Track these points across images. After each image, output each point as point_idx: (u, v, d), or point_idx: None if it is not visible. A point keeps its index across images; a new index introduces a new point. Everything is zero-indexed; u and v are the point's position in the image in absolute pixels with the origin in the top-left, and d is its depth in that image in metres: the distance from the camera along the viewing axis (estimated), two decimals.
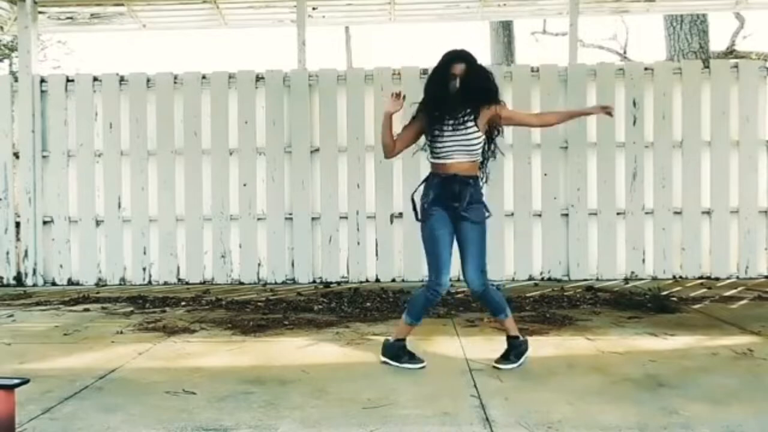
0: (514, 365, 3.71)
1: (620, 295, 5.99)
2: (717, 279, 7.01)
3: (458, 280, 7.19)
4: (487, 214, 3.79)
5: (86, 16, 7.86)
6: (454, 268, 3.83)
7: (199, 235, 7.30)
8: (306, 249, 7.25)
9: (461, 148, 3.69)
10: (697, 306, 5.58)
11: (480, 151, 3.76)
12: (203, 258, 7.30)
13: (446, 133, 3.70)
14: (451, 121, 3.69)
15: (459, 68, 3.68)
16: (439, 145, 3.72)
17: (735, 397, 3.19)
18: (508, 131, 7.10)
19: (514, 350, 3.77)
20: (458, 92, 3.67)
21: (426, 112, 3.76)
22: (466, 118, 3.70)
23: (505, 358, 3.76)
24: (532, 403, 3.12)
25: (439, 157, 3.74)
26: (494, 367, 3.71)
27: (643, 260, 7.12)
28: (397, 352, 3.81)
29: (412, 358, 3.81)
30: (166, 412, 3.05)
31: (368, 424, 2.88)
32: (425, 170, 7.13)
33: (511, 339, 3.81)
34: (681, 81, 7.14)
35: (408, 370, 3.71)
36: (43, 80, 7.41)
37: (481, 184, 3.82)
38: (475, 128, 3.70)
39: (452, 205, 3.69)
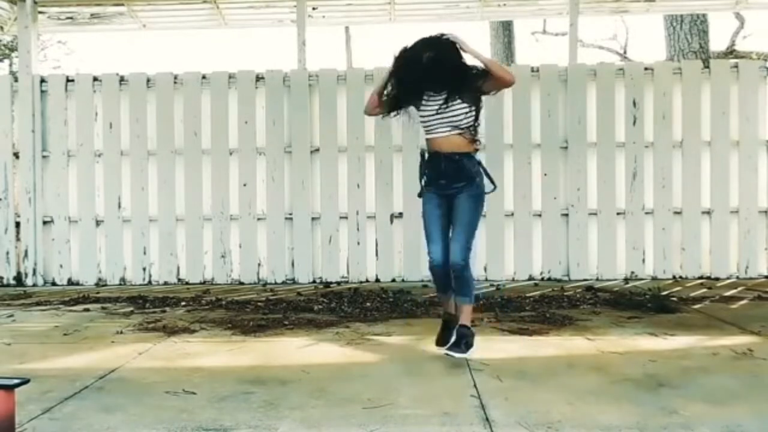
0: (465, 354, 3.78)
1: (620, 295, 5.99)
2: (717, 279, 7.01)
3: None
4: (489, 188, 3.89)
5: (86, 16, 7.86)
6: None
7: (199, 235, 7.30)
8: (306, 249, 7.25)
9: (446, 120, 3.81)
10: (697, 306, 5.58)
11: (469, 123, 3.84)
12: (203, 258, 7.30)
13: (431, 109, 3.83)
14: (435, 98, 3.81)
15: (427, 56, 3.77)
16: (426, 120, 3.87)
17: (735, 397, 3.19)
18: (508, 131, 7.15)
19: (465, 339, 3.82)
20: (431, 76, 3.77)
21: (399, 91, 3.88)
22: (450, 96, 3.79)
23: (457, 345, 3.80)
24: (532, 403, 3.12)
25: (427, 132, 3.90)
26: (446, 354, 3.80)
27: (643, 260, 7.12)
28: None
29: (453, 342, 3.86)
30: (166, 412, 3.05)
31: (368, 424, 2.88)
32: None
33: (462, 327, 3.87)
34: (681, 81, 7.14)
35: (408, 371, 3.71)
36: (43, 80, 7.41)
37: (475, 160, 3.90)
38: (461, 102, 3.80)
39: (441, 183, 3.86)
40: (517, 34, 13.70)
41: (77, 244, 7.36)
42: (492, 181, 3.99)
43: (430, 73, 3.77)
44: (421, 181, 4.02)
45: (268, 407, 3.11)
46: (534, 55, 17.48)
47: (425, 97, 3.88)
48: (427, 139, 3.94)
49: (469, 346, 3.83)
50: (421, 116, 3.92)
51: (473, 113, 3.85)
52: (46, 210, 7.36)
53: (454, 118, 3.82)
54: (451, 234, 3.90)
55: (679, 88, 7.15)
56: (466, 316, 3.91)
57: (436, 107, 3.83)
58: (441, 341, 4.01)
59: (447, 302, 4.08)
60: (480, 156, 7.26)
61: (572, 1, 7.35)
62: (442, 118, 3.83)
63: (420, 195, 4.03)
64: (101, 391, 3.40)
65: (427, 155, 3.96)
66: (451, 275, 3.88)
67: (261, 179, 7.29)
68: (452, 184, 3.85)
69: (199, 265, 7.30)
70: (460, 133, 3.84)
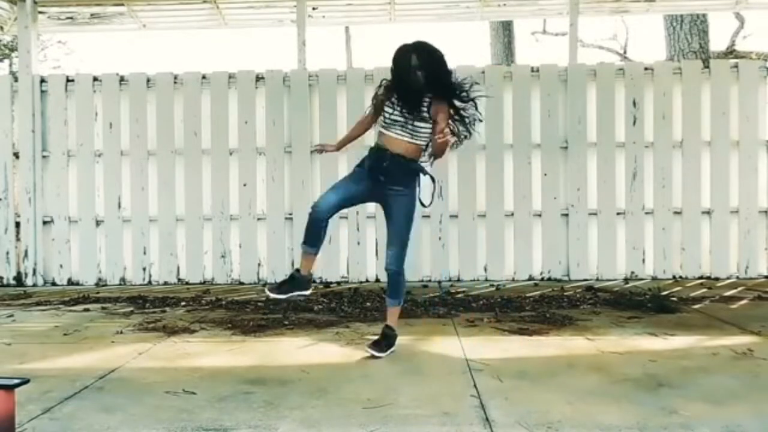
0: (384, 353, 3.98)
1: (620, 295, 5.99)
2: (717, 279, 7.01)
3: (458, 280, 7.22)
4: (426, 201, 4.01)
5: (86, 16, 7.86)
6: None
7: (199, 235, 7.30)
8: None
9: (406, 128, 3.90)
10: (697, 306, 5.58)
11: (425, 138, 3.95)
12: (203, 258, 7.30)
13: (398, 112, 3.92)
14: (408, 106, 3.90)
15: (414, 59, 3.87)
16: (389, 119, 3.94)
17: (735, 397, 3.19)
18: (508, 131, 7.16)
19: (387, 340, 4.06)
20: (422, 81, 3.86)
21: (388, 94, 3.97)
22: (422, 106, 3.90)
23: (377, 345, 4.03)
24: (532, 403, 3.12)
25: (384, 128, 3.98)
26: (368, 351, 3.99)
27: (643, 260, 7.12)
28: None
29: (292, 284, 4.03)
30: (166, 412, 3.05)
31: (368, 424, 2.88)
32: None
33: (387, 328, 4.10)
34: (681, 81, 7.14)
35: (408, 371, 3.71)
36: (43, 80, 7.41)
37: (419, 167, 4.00)
38: (427, 115, 3.90)
39: (379, 178, 3.94)
40: (517, 34, 13.70)
41: (77, 244, 7.36)
42: (432, 179, 4.09)
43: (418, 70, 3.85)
44: (356, 167, 4.10)
45: (268, 407, 3.11)
46: (534, 55, 17.48)
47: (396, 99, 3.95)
48: (381, 133, 4.03)
49: (389, 346, 4.05)
50: (386, 113, 3.96)
51: (430, 130, 3.92)
52: (46, 210, 7.36)
53: (415, 129, 3.92)
54: (388, 238, 4.04)
55: (679, 88, 7.15)
56: (393, 318, 4.13)
57: (404, 111, 3.90)
58: (277, 289, 4.03)
59: (307, 258, 4.03)
60: (480, 156, 7.33)
61: (572, 1, 7.35)
62: (405, 124, 3.91)
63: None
64: (101, 391, 3.40)
65: (374, 146, 4.05)
66: (324, 232, 3.97)
67: (261, 179, 7.29)
68: (390, 185, 3.95)
69: (199, 265, 7.30)
70: (413, 143, 3.94)
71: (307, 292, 4.11)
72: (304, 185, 7.22)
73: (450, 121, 3.94)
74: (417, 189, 4.01)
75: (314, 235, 3.98)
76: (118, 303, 6.04)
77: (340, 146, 4.50)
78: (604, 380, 3.48)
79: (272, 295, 4.04)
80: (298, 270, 4.07)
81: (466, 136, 4.05)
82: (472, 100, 3.97)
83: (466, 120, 4.01)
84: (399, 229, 4.01)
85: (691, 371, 3.63)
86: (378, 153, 3.99)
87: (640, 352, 4.04)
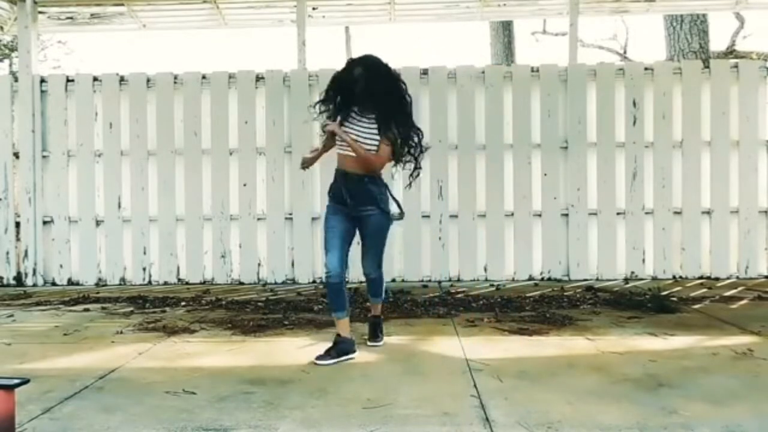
0: (383, 340, 4.31)
1: (620, 295, 5.99)
2: (717, 279, 7.01)
3: (458, 280, 7.22)
4: (397, 213, 4.19)
5: (86, 16, 7.86)
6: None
7: (199, 235, 7.30)
8: (306, 249, 7.24)
9: (358, 141, 3.95)
10: (697, 306, 5.58)
11: (372, 150, 3.99)
12: (203, 258, 7.30)
13: (348, 126, 3.98)
14: (356, 117, 3.99)
15: (357, 72, 3.96)
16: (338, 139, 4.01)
17: (735, 397, 3.19)
18: (508, 131, 7.16)
19: (379, 327, 4.36)
20: (363, 92, 3.93)
21: (337, 106, 4.06)
22: (370, 116, 3.98)
23: (375, 336, 4.32)
24: (532, 403, 3.12)
25: (340, 148, 4.05)
26: (370, 345, 4.22)
27: (643, 260, 7.12)
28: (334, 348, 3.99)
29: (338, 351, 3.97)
30: (166, 412, 3.06)
31: (368, 424, 2.88)
32: (424, 172, 7.12)
33: (375, 317, 4.36)
34: (681, 81, 7.14)
35: (408, 371, 3.72)
36: (43, 80, 7.41)
37: (381, 183, 4.11)
38: (376, 129, 3.98)
39: (349, 203, 4.02)
40: (517, 34, 13.70)
41: (77, 244, 7.36)
42: (400, 207, 4.26)
43: (360, 86, 3.94)
44: (328, 195, 4.20)
45: (268, 407, 3.11)
46: (534, 55, 17.48)
47: (352, 114, 4.02)
48: (338, 154, 4.10)
49: (382, 330, 4.37)
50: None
51: (376, 145, 3.99)
52: (46, 210, 7.36)
53: (364, 144, 3.97)
54: (363, 251, 4.22)
55: (679, 88, 7.15)
56: (379, 309, 4.39)
57: (354, 126, 3.98)
58: (326, 356, 3.89)
59: (341, 323, 4.04)
60: (480, 156, 7.32)
61: (572, 1, 7.35)
62: (356, 136, 3.97)
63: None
64: (101, 391, 3.40)
65: (337, 172, 4.12)
66: (344, 290, 4.07)
67: (261, 179, 7.29)
68: (360, 206, 4.03)
69: (199, 265, 7.29)
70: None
71: (355, 354, 3.99)
72: (304, 185, 7.22)
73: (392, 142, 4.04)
74: (386, 205, 4.13)
75: (338, 300, 4.05)
76: (118, 303, 6.04)
77: (320, 155, 4.30)
78: (604, 380, 3.49)
79: (321, 363, 3.83)
80: (338, 335, 4.03)
81: (412, 160, 4.22)
82: (411, 125, 4.06)
83: (411, 149, 4.14)
84: (374, 244, 4.17)
85: (691, 371, 3.63)
86: (340, 176, 4.07)
87: (640, 352, 4.04)
